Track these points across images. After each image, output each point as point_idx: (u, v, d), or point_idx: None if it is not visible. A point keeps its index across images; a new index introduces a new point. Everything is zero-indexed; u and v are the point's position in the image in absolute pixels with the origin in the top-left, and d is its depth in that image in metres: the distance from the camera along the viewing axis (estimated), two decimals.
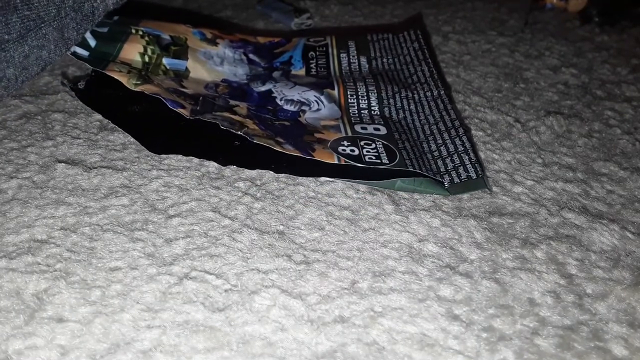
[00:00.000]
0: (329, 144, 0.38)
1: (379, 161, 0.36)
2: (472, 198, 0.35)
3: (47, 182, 0.35)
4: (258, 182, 0.36)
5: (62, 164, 0.36)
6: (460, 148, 0.38)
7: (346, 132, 0.39)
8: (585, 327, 0.27)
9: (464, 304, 0.28)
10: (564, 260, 0.31)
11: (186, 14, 0.62)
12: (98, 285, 0.27)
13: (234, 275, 0.29)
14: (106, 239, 0.30)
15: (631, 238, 0.32)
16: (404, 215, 0.33)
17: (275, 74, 0.47)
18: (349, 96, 0.44)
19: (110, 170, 0.36)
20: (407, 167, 0.36)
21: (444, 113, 0.41)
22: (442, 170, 0.37)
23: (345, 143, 0.38)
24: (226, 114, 0.39)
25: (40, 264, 0.29)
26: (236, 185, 0.35)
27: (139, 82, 0.39)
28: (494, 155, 0.39)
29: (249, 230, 0.32)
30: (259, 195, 0.35)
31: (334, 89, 0.44)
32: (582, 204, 0.35)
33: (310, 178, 0.36)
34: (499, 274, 0.30)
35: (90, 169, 0.36)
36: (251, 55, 0.49)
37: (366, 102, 0.43)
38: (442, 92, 0.44)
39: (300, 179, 0.36)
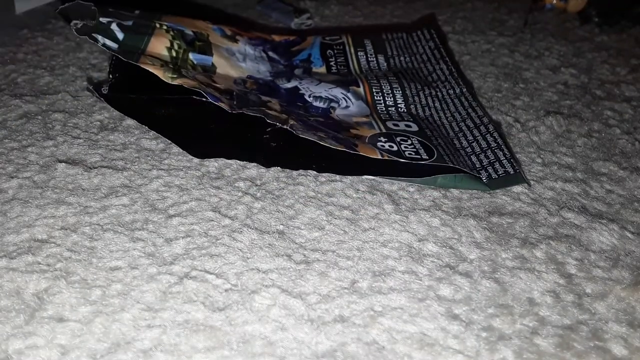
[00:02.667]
0: (367, 139, 0.38)
1: (418, 157, 0.36)
2: (471, 198, 0.35)
3: (47, 182, 0.35)
4: (258, 182, 0.36)
5: (63, 163, 0.36)
6: (493, 144, 0.38)
7: (380, 129, 0.39)
8: (584, 326, 0.27)
9: (464, 303, 0.28)
10: (563, 259, 0.31)
11: (191, 10, 0.62)
12: (98, 285, 0.28)
13: (234, 274, 0.29)
14: (106, 238, 0.30)
15: (630, 238, 0.33)
16: (404, 215, 0.33)
17: (297, 72, 0.47)
18: (374, 93, 0.44)
19: (111, 170, 0.36)
20: (447, 163, 0.36)
21: (469, 110, 0.42)
22: (477, 166, 0.37)
23: (382, 139, 0.38)
24: (263, 109, 0.39)
25: (40, 263, 0.29)
26: (236, 185, 0.35)
27: (175, 76, 0.39)
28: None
29: (249, 229, 0.32)
30: (259, 195, 0.35)
31: (359, 86, 0.44)
32: (582, 204, 0.35)
33: (310, 178, 0.36)
34: (499, 273, 0.30)
35: (91, 168, 0.36)
36: (270, 53, 0.49)
37: (392, 99, 0.43)
38: (464, 89, 0.44)
39: (300, 179, 0.36)
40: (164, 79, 0.38)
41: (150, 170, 0.36)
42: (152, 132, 0.40)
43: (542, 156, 0.40)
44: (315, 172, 0.37)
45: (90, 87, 0.42)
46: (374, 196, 0.35)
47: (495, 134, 0.39)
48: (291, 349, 0.25)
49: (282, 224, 0.32)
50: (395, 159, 0.36)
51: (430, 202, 0.35)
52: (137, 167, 0.36)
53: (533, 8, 0.64)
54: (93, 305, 0.26)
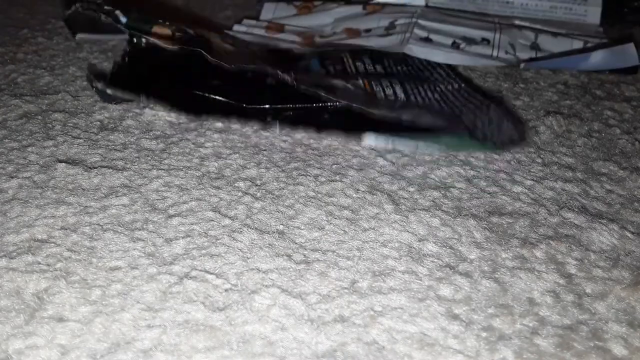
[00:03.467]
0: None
1: (424, 102, 0.36)
2: (471, 198, 0.35)
3: (47, 182, 0.35)
4: (258, 182, 0.36)
5: (63, 163, 0.36)
6: (496, 117, 0.39)
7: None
8: (584, 326, 0.27)
9: (464, 303, 0.28)
10: (563, 259, 0.31)
11: (187, 14, 0.62)
12: (98, 285, 0.28)
13: (234, 274, 0.29)
14: (106, 238, 0.30)
15: (630, 238, 0.33)
16: (404, 215, 0.33)
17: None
18: (373, 85, 0.44)
19: (111, 170, 0.36)
20: (453, 120, 0.36)
21: (470, 98, 0.42)
22: (483, 132, 0.37)
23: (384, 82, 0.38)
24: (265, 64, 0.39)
25: (40, 263, 0.29)
26: (236, 185, 0.35)
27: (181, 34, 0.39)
28: (494, 154, 0.40)
29: (249, 229, 0.32)
30: (259, 195, 0.35)
31: (358, 80, 0.45)
32: (582, 204, 0.35)
33: (310, 177, 0.36)
34: (499, 273, 0.30)
35: (91, 168, 0.36)
36: None
37: (391, 91, 0.44)
38: (463, 85, 0.44)
39: (300, 179, 0.36)
40: (175, 34, 0.39)
41: (150, 170, 0.36)
42: (152, 132, 0.40)
43: (542, 156, 0.40)
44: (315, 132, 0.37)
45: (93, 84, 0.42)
46: (374, 196, 0.35)
47: (499, 110, 0.39)
48: (291, 349, 0.25)
49: (282, 224, 0.32)
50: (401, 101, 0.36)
51: (430, 202, 0.35)
52: (137, 167, 0.36)
53: None
54: (93, 305, 0.26)
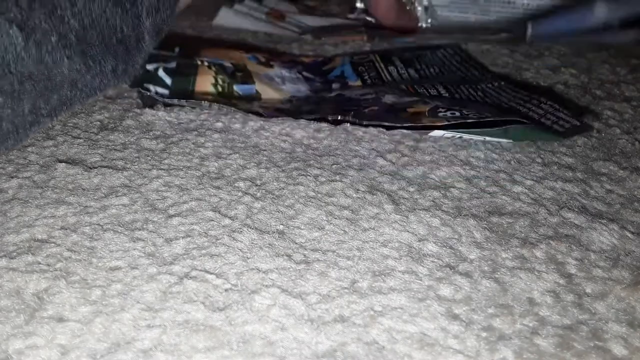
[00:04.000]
0: (427, 113, 0.38)
1: (483, 116, 0.36)
2: (471, 198, 0.35)
3: (47, 182, 0.35)
4: (258, 182, 0.36)
5: (63, 163, 0.36)
6: (550, 109, 0.39)
7: (435, 104, 0.40)
8: (584, 326, 0.27)
9: (464, 303, 0.28)
10: (563, 259, 0.31)
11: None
12: (98, 285, 0.28)
13: (234, 274, 0.29)
14: (106, 238, 0.30)
15: (630, 237, 0.33)
16: (404, 215, 0.33)
17: (335, 86, 0.48)
18: (417, 87, 0.44)
19: (111, 170, 0.36)
20: (514, 117, 0.36)
21: (514, 93, 0.42)
22: (543, 122, 0.38)
23: (442, 109, 0.38)
24: (319, 107, 0.40)
25: (40, 263, 0.29)
26: (236, 185, 0.35)
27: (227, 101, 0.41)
28: (494, 154, 0.40)
29: (249, 229, 0.32)
30: (259, 194, 0.35)
31: (400, 85, 0.45)
32: (582, 204, 0.35)
33: (310, 177, 0.36)
34: (499, 273, 0.30)
35: (91, 168, 0.36)
36: (305, 73, 0.50)
37: (435, 91, 0.44)
38: (503, 83, 0.44)
39: (300, 179, 0.36)
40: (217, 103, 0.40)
41: (150, 170, 0.36)
42: (152, 132, 0.40)
43: (542, 156, 0.40)
44: (385, 129, 0.38)
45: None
46: (374, 196, 0.35)
47: (550, 102, 0.39)
48: (291, 349, 0.25)
49: (282, 224, 0.32)
50: (462, 121, 0.36)
51: (430, 202, 0.35)
52: (137, 167, 0.36)
53: None
54: (93, 305, 0.26)
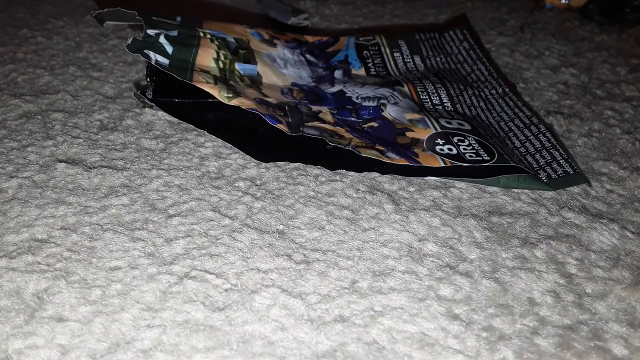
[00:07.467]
0: (425, 143, 0.38)
1: (480, 158, 0.36)
2: (471, 197, 0.35)
3: (47, 182, 0.35)
4: (258, 182, 0.36)
5: (63, 163, 0.36)
6: (547, 144, 0.39)
7: (435, 128, 0.39)
8: (585, 326, 0.27)
9: (464, 303, 0.28)
10: (563, 259, 0.31)
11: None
12: (98, 285, 0.28)
13: (234, 274, 0.29)
14: (106, 238, 0.30)
15: (631, 237, 0.32)
16: (404, 215, 0.33)
17: (337, 74, 0.47)
18: (419, 92, 0.44)
19: (111, 170, 0.36)
20: (509, 163, 0.36)
21: (516, 110, 0.42)
22: (535, 166, 0.37)
23: (440, 141, 0.38)
24: (317, 124, 0.39)
25: (40, 263, 0.29)
26: (236, 185, 0.35)
27: (230, 95, 0.39)
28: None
29: (249, 229, 0.32)
30: (259, 194, 0.35)
31: (403, 86, 0.45)
32: (582, 204, 0.35)
33: (310, 177, 0.36)
34: (499, 273, 0.30)
35: (91, 168, 0.36)
36: (308, 56, 0.49)
37: (438, 98, 0.43)
38: (507, 89, 0.44)
39: (300, 179, 0.36)
40: (220, 99, 0.39)
41: (150, 170, 0.36)
42: (152, 132, 0.40)
43: None
44: (379, 173, 0.37)
45: (138, 92, 0.42)
46: (374, 196, 0.35)
47: (548, 134, 0.39)
48: (291, 349, 0.25)
49: (282, 224, 0.32)
50: (458, 164, 0.36)
51: (430, 202, 0.35)
52: (137, 166, 0.36)
53: (534, 9, 0.64)
54: (93, 305, 0.26)
